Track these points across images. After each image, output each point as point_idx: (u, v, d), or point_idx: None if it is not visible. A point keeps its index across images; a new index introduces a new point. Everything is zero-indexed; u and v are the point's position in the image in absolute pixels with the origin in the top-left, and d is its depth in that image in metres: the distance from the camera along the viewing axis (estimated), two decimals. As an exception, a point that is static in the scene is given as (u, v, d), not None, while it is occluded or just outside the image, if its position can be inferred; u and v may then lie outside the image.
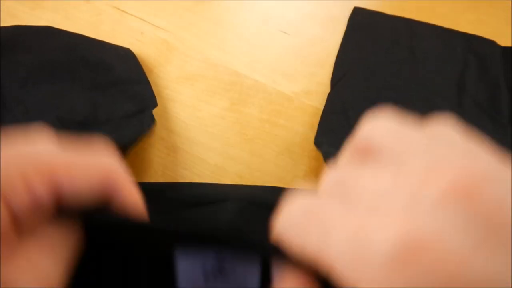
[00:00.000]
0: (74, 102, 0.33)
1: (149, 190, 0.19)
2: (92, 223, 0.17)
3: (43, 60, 0.35)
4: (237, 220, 0.28)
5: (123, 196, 0.17)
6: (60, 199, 0.16)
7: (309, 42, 0.41)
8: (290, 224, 0.14)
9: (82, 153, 0.16)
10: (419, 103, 0.35)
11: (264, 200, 0.29)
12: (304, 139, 0.36)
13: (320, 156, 0.33)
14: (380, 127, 0.14)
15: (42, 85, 0.34)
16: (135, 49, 0.39)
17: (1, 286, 0.14)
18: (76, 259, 0.17)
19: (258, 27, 0.42)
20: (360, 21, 0.41)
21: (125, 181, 0.17)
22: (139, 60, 0.38)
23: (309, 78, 0.39)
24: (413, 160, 0.12)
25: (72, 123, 0.32)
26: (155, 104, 0.35)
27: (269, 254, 0.16)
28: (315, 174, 0.35)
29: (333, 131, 0.34)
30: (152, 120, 0.35)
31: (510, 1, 0.42)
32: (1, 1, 0.41)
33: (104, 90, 0.35)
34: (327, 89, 0.37)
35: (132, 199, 0.17)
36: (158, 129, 0.37)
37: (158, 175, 0.35)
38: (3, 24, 0.39)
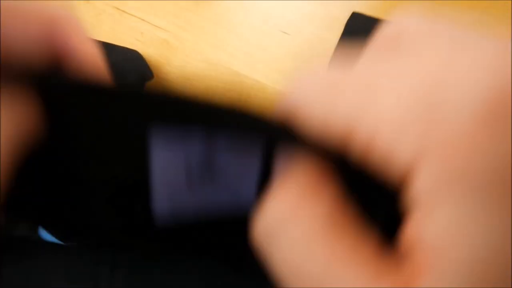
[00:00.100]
0: None
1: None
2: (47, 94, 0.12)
3: None
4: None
5: (74, 49, 0.13)
6: None
7: (309, 42, 0.41)
8: (311, 94, 0.11)
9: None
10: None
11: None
12: (304, 139, 0.36)
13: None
14: (413, 19, 0.12)
15: None
16: (135, 49, 0.39)
17: None
18: (33, 143, 0.12)
19: (258, 27, 0.42)
20: (357, 26, 0.41)
21: (76, 30, 0.13)
22: (139, 60, 0.38)
23: (309, 78, 0.39)
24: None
25: None
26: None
27: (276, 139, 0.12)
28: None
29: None
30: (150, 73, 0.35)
31: (510, 1, 0.42)
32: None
33: None
34: (327, 89, 0.37)
35: (86, 52, 0.13)
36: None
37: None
38: (3, 24, 0.39)
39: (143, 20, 0.41)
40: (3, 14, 0.12)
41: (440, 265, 0.08)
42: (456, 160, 0.09)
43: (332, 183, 0.11)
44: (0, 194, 0.11)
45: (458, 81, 0.09)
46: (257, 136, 0.13)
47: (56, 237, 0.21)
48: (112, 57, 0.37)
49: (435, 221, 0.09)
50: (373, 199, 0.11)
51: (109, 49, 0.38)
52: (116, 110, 0.13)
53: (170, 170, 0.14)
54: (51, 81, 0.12)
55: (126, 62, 0.38)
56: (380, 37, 0.12)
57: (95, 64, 0.13)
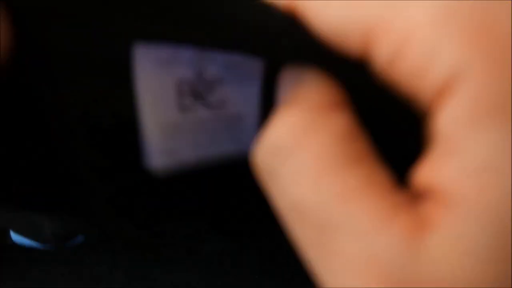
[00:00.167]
0: None
1: None
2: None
3: None
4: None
5: None
6: None
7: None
8: None
9: None
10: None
11: None
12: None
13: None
14: None
15: None
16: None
17: None
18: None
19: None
20: None
21: None
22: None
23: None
24: None
25: None
26: None
27: (280, 49, 0.09)
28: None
29: None
30: None
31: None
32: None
33: None
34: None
35: None
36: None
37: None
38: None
39: (143, 20, 0.41)
40: None
41: (456, 217, 0.07)
42: (502, 84, 0.07)
43: (345, 107, 0.09)
44: None
45: None
46: (258, 49, 0.10)
47: (33, 238, 0.21)
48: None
49: (457, 164, 0.07)
50: (394, 129, 0.09)
51: None
52: (95, 29, 0.10)
53: (159, 93, 0.11)
54: None
55: None
56: None
57: None
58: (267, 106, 0.11)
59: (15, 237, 0.25)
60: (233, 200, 0.15)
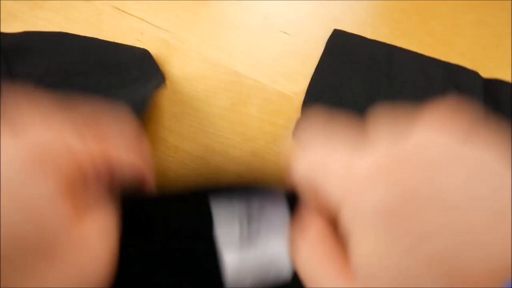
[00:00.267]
0: None
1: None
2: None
3: (57, 64, 0.35)
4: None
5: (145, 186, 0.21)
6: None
7: (309, 42, 0.41)
8: (308, 170, 0.18)
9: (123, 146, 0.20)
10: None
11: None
12: (304, 139, 0.36)
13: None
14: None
15: (56, 89, 0.34)
16: (135, 49, 0.39)
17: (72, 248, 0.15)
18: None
19: (258, 27, 0.42)
20: (338, 45, 0.40)
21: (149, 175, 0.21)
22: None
23: (309, 78, 0.39)
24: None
25: None
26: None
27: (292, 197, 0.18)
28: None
29: None
30: (162, 78, 0.36)
31: (510, 1, 0.42)
32: (1, 1, 0.41)
33: (120, 87, 0.35)
34: (327, 89, 0.37)
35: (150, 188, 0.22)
36: (158, 129, 0.37)
37: (158, 175, 0.35)
38: (3, 24, 0.39)
39: (143, 20, 0.41)
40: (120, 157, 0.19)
41: (367, 278, 0.14)
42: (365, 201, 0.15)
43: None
44: None
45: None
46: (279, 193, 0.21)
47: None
48: (119, 56, 0.37)
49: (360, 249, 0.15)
50: None
51: (115, 48, 0.38)
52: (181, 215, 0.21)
53: (228, 219, 0.21)
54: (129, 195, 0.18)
55: (133, 61, 0.37)
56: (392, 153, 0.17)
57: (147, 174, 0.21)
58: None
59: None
60: None
